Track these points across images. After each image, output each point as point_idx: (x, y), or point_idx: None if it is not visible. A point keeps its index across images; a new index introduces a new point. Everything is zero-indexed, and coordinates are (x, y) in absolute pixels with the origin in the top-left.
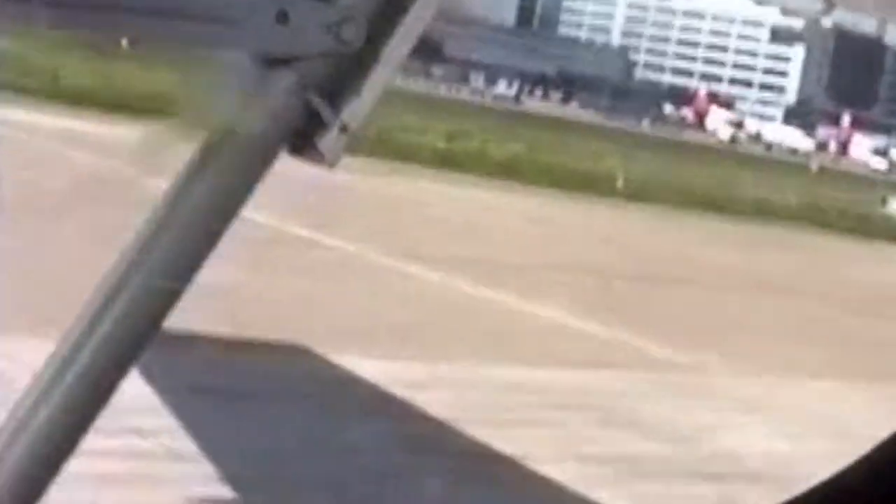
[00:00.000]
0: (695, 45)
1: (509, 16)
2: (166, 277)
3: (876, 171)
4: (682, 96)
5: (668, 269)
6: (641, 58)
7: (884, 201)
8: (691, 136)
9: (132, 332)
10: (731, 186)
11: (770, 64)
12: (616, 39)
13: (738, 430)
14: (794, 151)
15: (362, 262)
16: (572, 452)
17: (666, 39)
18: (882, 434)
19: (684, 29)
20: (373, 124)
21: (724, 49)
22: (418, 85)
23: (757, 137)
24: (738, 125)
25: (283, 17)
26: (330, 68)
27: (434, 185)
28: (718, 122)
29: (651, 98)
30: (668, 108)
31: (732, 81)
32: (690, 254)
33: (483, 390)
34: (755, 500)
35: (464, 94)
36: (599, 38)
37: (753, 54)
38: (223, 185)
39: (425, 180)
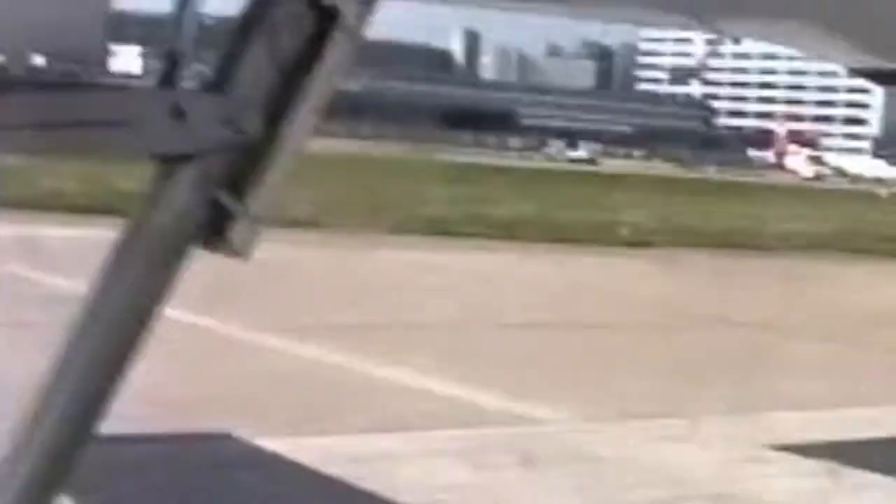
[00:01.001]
0: (775, 86)
1: (587, 79)
2: (94, 384)
3: None
4: (765, 140)
5: (596, 313)
6: (723, 105)
7: None
8: (774, 177)
9: (67, 442)
10: (768, 223)
11: (851, 97)
12: (696, 89)
13: (512, 489)
14: (879, 182)
15: (217, 338)
16: None
17: (746, 84)
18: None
19: (763, 72)
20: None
21: (803, 87)
22: (490, 158)
23: (841, 172)
24: (820, 161)
25: (178, 114)
26: (231, 160)
27: (409, 252)
28: (799, 160)
29: (733, 145)
30: (751, 153)
31: (815, 119)
32: (646, 295)
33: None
34: None
35: (537, 161)
36: (679, 90)
37: (834, 90)
38: (137, 287)
39: (400, 249)
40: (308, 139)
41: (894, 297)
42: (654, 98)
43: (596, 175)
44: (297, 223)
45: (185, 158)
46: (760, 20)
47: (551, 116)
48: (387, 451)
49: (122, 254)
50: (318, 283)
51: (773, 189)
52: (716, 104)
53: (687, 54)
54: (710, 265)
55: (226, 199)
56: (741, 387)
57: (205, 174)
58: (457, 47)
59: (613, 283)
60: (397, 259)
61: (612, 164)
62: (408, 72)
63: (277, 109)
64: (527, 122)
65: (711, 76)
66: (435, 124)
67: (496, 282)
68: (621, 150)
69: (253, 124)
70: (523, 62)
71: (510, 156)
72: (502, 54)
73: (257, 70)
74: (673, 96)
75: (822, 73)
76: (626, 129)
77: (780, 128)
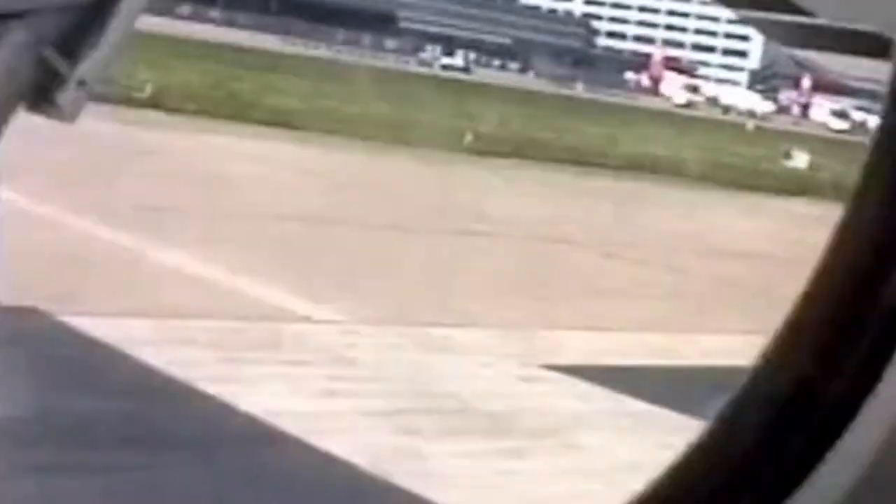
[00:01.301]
0: (656, 11)
1: None
2: None
3: (837, 131)
4: (643, 64)
5: (404, 217)
6: (603, 26)
7: (787, 156)
8: (645, 101)
9: None
10: (622, 144)
11: (732, 28)
12: (578, 8)
13: (256, 387)
14: (752, 114)
15: (12, 211)
16: None
17: (627, 7)
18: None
19: None
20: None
21: (685, 15)
22: (365, 58)
23: (714, 102)
24: (694, 89)
25: None
26: (65, 22)
27: (242, 141)
28: (674, 87)
29: (610, 66)
30: (628, 76)
31: (695, 47)
32: (465, 203)
33: None
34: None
35: (412, 65)
36: (561, 7)
37: (715, 19)
38: None
39: (234, 137)
40: (144, 5)
41: (726, 228)
42: (534, 12)
43: (462, 82)
44: (139, 103)
45: (16, 16)
46: None
47: (430, 21)
48: (141, 337)
49: None
50: (134, 163)
51: (638, 112)
52: (597, 24)
53: None
54: (549, 181)
55: (56, 60)
56: (537, 303)
57: (36, 34)
58: None
59: (438, 188)
60: (226, 147)
61: (484, 74)
62: None
63: None
64: (405, 24)
65: None
66: (313, 20)
67: (317, 178)
68: (497, 61)
69: None
70: None
71: (385, 57)
72: None
73: None
74: (554, 12)
75: (705, 2)
76: (505, 40)
77: (657, 53)
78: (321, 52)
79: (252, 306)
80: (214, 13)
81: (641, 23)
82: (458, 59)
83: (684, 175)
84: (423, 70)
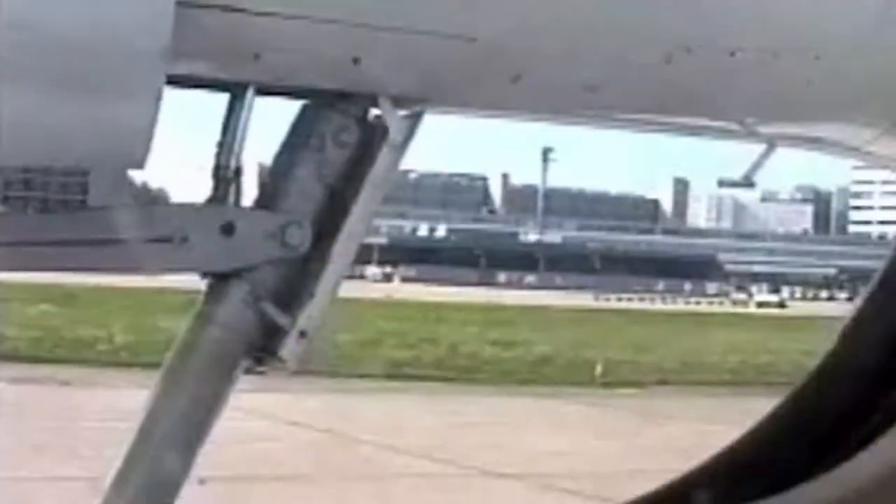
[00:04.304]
0: None
1: (803, 223)
2: (154, 497)
3: None
4: None
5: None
6: None
7: None
8: None
9: None
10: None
11: None
12: None
13: None
14: None
15: None
16: None
17: None
18: None
19: None
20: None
21: None
22: (676, 303)
23: None
24: None
25: (228, 230)
26: (281, 275)
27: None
28: None
29: None
30: None
31: None
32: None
33: None
34: None
35: (726, 306)
36: (890, 230)
37: None
38: (190, 404)
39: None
40: (355, 251)
41: None
42: (861, 239)
43: (742, 315)
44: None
45: (234, 273)
46: (801, 124)
47: (750, 262)
48: None
49: (173, 371)
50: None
51: None
52: None
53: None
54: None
55: (275, 313)
56: None
57: (254, 288)
58: (667, 196)
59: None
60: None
61: (799, 306)
62: (609, 222)
63: (325, 223)
64: (729, 267)
65: None
66: (634, 273)
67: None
68: (824, 293)
69: (300, 238)
70: (738, 208)
71: (699, 302)
72: (717, 201)
73: (304, 185)
74: (883, 238)
75: None
76: (830, 270)
77: None
78: (627, 304)
79: None
80: (531, 278)
81: None
82: (774, 295)
83: None
84: (721, 309)
